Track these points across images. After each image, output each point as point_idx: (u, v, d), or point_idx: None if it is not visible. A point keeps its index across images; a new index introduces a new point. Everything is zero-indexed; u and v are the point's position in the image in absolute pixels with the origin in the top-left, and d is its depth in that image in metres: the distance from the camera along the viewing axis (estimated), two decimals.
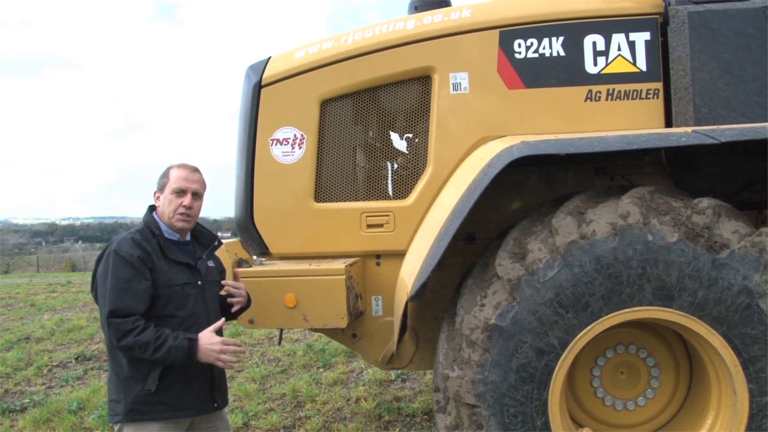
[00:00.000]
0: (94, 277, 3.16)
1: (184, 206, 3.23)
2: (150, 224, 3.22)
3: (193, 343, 3.00)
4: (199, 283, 3.27)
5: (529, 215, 3.55)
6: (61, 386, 7.58)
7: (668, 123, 3.80)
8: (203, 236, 3.45)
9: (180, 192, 3.23)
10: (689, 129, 3.25)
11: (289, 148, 4.07)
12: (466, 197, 3.20)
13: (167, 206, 3.23)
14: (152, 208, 3.30)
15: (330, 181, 4.12)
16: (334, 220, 3.99)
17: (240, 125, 4.26)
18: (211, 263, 3.43)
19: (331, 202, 4.08)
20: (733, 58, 3.57)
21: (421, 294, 3.23)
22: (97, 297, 3.12)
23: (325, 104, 4.09)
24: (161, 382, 3.04)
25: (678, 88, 3.70)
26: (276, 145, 4.07)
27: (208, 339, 3.05)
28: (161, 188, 3.27)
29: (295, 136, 4.06)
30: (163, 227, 3.24)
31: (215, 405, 3.32)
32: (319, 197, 4.08)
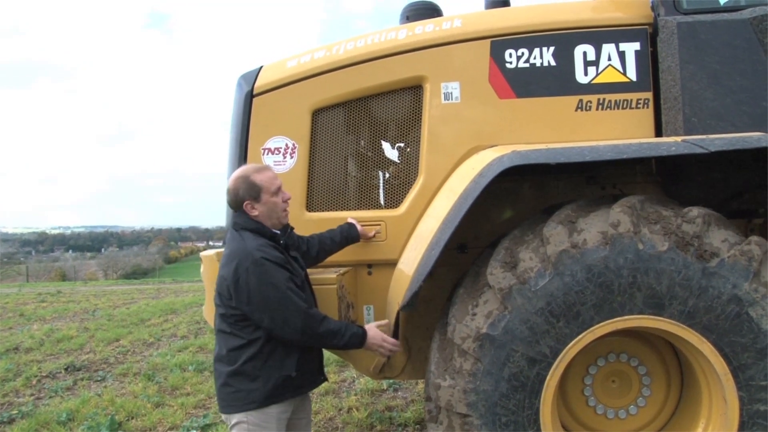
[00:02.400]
0: (234, 290, 3.17)
1: (287, 200, 3.46)
2: (260, 229, 3.32)
3: (365, 335, 3.36)
4: (304, 273, 3.52)
5: (521, 224, 3.56)
6: (50, 397, 7.52)
7: (658, 132, 3.82)
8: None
9: (279, 189, 3.39)
10: (679, 138, 3.27)
11: (281, 157, 4.07)
12: (457, 206, 3.22)
13: (272, 208, 3.36)
14: (243, 214, 3.35)
15: (321, 190, 4.12)
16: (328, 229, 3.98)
17: (232, 134, 4.26)
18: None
19: (323, 211, 4.07)
20: (721, 69, 3.60)
21: (412, 304, 3.25)
22: (234, 305, 3.20)
23: (317, 114, 4.10)
24: (298, 365, 3.28)
25: (668, 98, 3.73)
26: (267, 154, 4.07)
27: (375, 333, 3.41)
28: (255, 197, 3.32)
29: (286, 145, 4.06)
30: (271, 229, 3.38)
31: (322, 377, 3.63)
32: (311, 207, 4.08)
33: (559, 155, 3.15)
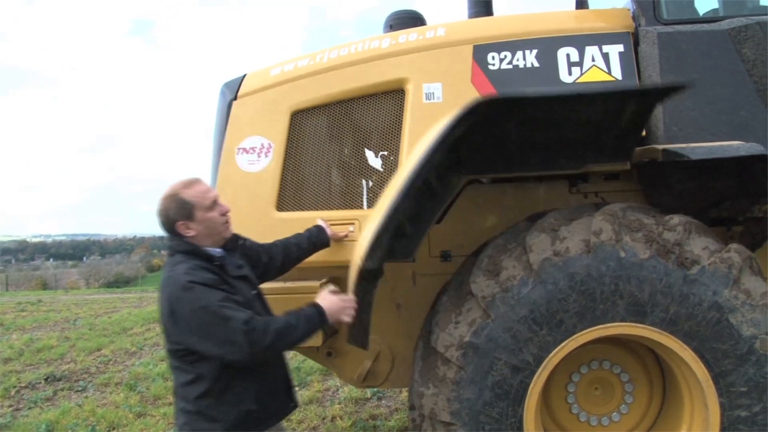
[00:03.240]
0: (171, 319, 2.81)
1: (226, 213, 3.05)
2: (194, 251, 2.94)
3: (320, 308, 2.93)
4: (254, 291, 3.12)
5: (503, 233, 3.57)
6: (30, 408, 7.42)
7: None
8: (229, 242, 3.15)
9: (214, 203, 3.00)
10: (660, 147, 3.31)
11: (255, 156, 4.01)
12: (429, 144, 2.93)
13: (210, 225, 2.97)
14: (176, 236, 2.97)
15: (294, 189, 4.03)
16: (298, 230, 3.81)
17: (214, 142, 4.24)
18: (242, 262, 3.22)
19: (295, 211, 4.00)
20: (701, 78, 3.64)
21: (375, 261, 2.98)
22: (176, 339, 2.86)
23: (296, 115, 4.07)
24: (258, 397, 2.93)
25: None
26: (242, 153, 4.02)
27: (329, 300, 3.00)
28: (188, 216, 2.92)
29: (262, 145, 4.02)
30: (207, 248, 2.98)
31: (292, 404, 3.23)
32: (281, 206, 4.00)
33: (537, 92, 3.13)
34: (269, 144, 4.02)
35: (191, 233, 2.94)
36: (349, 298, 3.07)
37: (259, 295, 3.19)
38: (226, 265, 2.98)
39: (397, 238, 3.15)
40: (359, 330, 3.27)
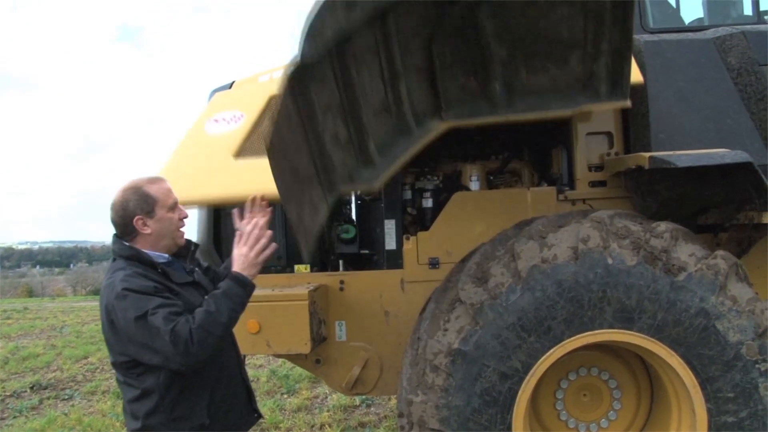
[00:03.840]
0: (111, 329, 2.64)
1: (184, 218, 2.88)
2: (136, 255, 2.72)
3: (234, 274, 2.70)
4: (206, 297, 2.77)
5: (492, 240, 3.58)
6: (15, 417, 7.35)
7: (627, 148, 3.89)
8: (181, 248, 2.97)
9: (175, 205, 2.82)
10: (646, 154, 3.33)
11: (225, 123, 3.94)
12: None
13: (167, 226, 2.79)
14: (119, 238, 2.78)
15: (257, 143, 3.80)
16: (257, 171, 3.39)
17: None
18: (197, 269, 3.06)
19: (254, 157, 3.76)
20: (687, 86, 3.68)
21: (315, 49, 2.61)
22: (119, 350, 2.67)
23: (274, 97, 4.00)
24: (210, 411, 2.75)
25: (635, 115, 3.79)
26: (212, 122, 3.97)
27: (238, 257, 2.77)
28: (148, 212, 2.72)
29: (234, 115, 3.96)
30: (151, 253, 2.77)
31: (255, 416, 3.10)
32: (241, 154, 3.86)
33: None
34: (241, 114, 3.94)
35: (147, 231, 2.73)
36: (250, 230, 2.82)
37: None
38: (169, 272, 2.76)
39: (364, 165, 3.08)
40: (302, 238, 3.09)
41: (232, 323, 2.66)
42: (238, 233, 2.88)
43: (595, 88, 3.10)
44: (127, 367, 2.67)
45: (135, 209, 2.71)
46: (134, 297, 2.55)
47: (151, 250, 2.77)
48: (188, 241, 2.99)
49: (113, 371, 2.91)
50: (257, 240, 2.80)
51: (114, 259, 2.78)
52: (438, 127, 3.24)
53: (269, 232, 2.85)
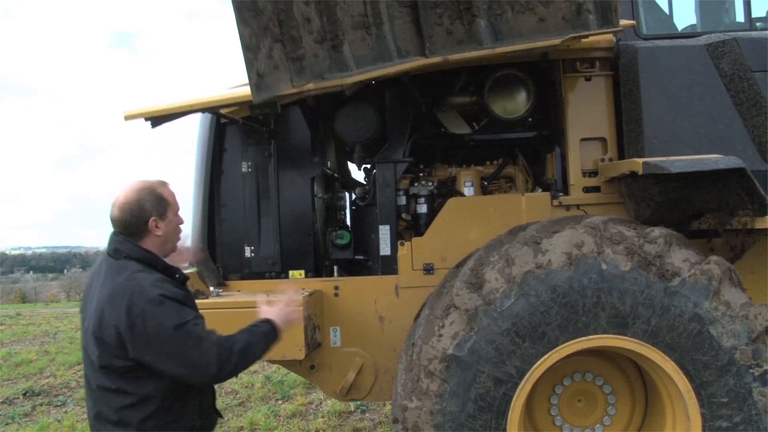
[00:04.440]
0: (129, 333, 2.51)
1: (182, 223, 2.88)
2: (151, 259, 2.70)
3: (273, 323, 2.80)
4: (249, 328, 2.85)
5: (486, 245, 3.59)
6: (7, 424, 7.29)
7: (621, 153, 3.91)
8: None
9: (179, 210, 2.83)
10: (640, 160, 3.34)
11: None
12: None
13: (174, 230, 2.80)
14: (129, 242, 2.69)
15: None
16: None
17: (197, 156, 4.24)
18: None
19: None
20: (680, 93, 3.69)
21: (264, 93, 2.99)
22: (122, 355, 2.55)
23: None
24: (201, 410, 2.80)
25: (629, 121, 3.81)
26: None
27: (275, 312, 2.86)
28: (162, 214, 2.70)
29: None
30: (160, 259, 2.76)
31: (217, 416, 3.06)
32: None
33: None
34: None
35: (158, 233, 2.70)
36: (290, 301, 3.03)
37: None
38: (172, 276, 2.75)
39: (337, 67, 3.19)
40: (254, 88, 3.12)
41: (257, 360, 2.81)
42: (280, 295, 3.09)
43: (584, 20, 3.13)
44: (123, 371, 2.58)
45: (151, 210, 2.67)
46: (172, 304, 2.54)
47: (158, 253, 2.75)
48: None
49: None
50: (296, 310, 3.20)
51: (116, 260, 2.67)
52: (420, 61, 3.27)
53: (300, 310, 3.35)
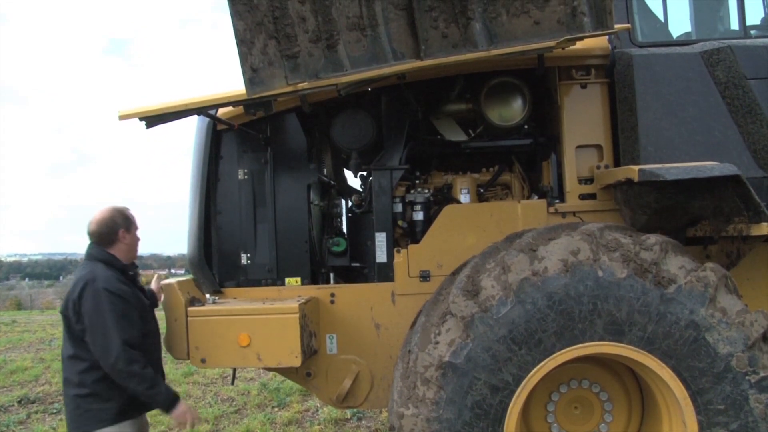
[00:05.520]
0: (77, 312, 3.47)
1: (139, 240, 3.86)
2: (112, 260, 3.65)
3: (177, 402, 3.55)
4: (147, 301, 3.86)
5: (482, 252, 3.59)
6: (2, 431, 7.26)
7: (616, 160, 3.92)
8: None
9: (137, 228, 3.83)
10: (636, 167, 3.35)
11: None
12: None
13: (135, 242, 3.81)
14: (98, 248, 3.66)
15: None
16: None
17: (194, 162, 4.24)
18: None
19: None
20: (675, 100, 3.71)
21: (258, 87, 3.11)
22: (78, 327, 3.48)
23: None
24: None
25: (624, 128, 3.82)
26: None
27: (184, 407, 3.58)
28: (128, 228, 3.73)
29: None
30: (121, 261, 3.70)
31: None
32: None
33: None
34: None
35: (125, 241, 3.70)
36: (194, 416, 3.70)
37: (152, 307, 3.90)
38: (136, 277, 3.77)
39: (333, 66, 3.22)
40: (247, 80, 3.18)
41: (138, 394, 3.47)
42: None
43: (579, 23, 3.15)
44: (80, 339, 3.48)
45: (121, 224, 3.69)
46: (108, 296, 3.44)
47: (122, 258, 3.70)
48: (133, 263, 3.90)
49: None
50: (193, 422, 3.71)
51: (89, 261, 3.64)
52: (416, 63, 3.31)
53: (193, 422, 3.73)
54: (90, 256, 3.65)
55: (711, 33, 4.42)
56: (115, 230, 3.66)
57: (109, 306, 3.42)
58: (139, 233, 3.83)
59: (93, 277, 3.49)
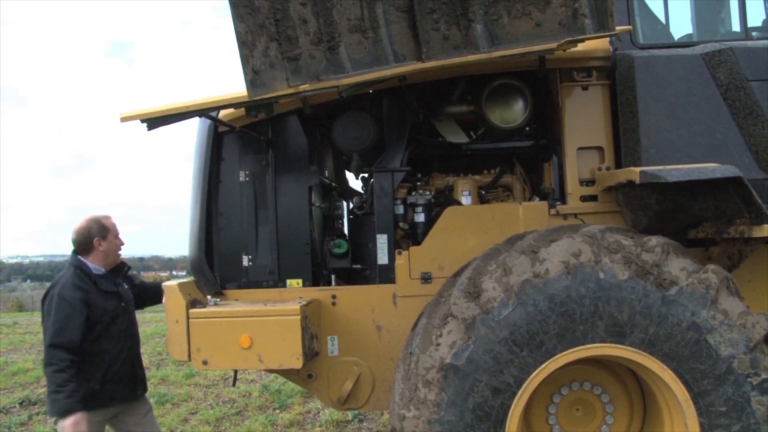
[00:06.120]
0: (42, 307, 3.94)
1: (121, 245, 4.20)
2: (81, 266, 4.01)
3: (72, 415, 3.65)
4: (123, 304, 4.13)
5: (483, 254, 3.59)
6: None
7: (618, 162, 3.92)
8: (117, 266, 4.24)
9: (118, 235, 4.16)
10: (637, 169, 3.35)
11: None
12: None
13: (114, 249, 4.12)
14: (74, 256, 4.05)
15: None
16: None
17: (195, 165, 4.24)
18: (125, 286, 4.30)
19: None
20: (677, 101, 3.70)
21: (260, 89, 3.18)
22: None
23: None
24: (102, 381, 3.91)
25: (626, 130, 3.82)
26: None
27: (74, 422, 3.65)
28: (103, 236, 4.04)
29: None
30: (91, 266, 4.03)
31: (140, 393, 4.27)
32: None
33: None
34: None
35: (101, 249, 4.03)
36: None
37: (127, 309, 4.17)
38: (98, 281, 4.00)
39: (334, 69, 3.27)
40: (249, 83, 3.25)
41: (49, 392, 3.74)
42: None
43: (580, 25, 3.15)
44: None
45: (96, 233, 4.03)
46: (59, 302, 3.81)
47: (100, 264, 4.06)
48: (123, 263, 4.28)
49: None
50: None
51: (69, 265, 4.05)
52: (417, 65, 3.33)
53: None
54: (70, 261, 4.08)
55: (712, 35, 4.42)
56: (89, 239, 4.01)
57: (56, 309, 3.80)
58: (119, 240, 4.13)
59: (56, 282, 3.96)
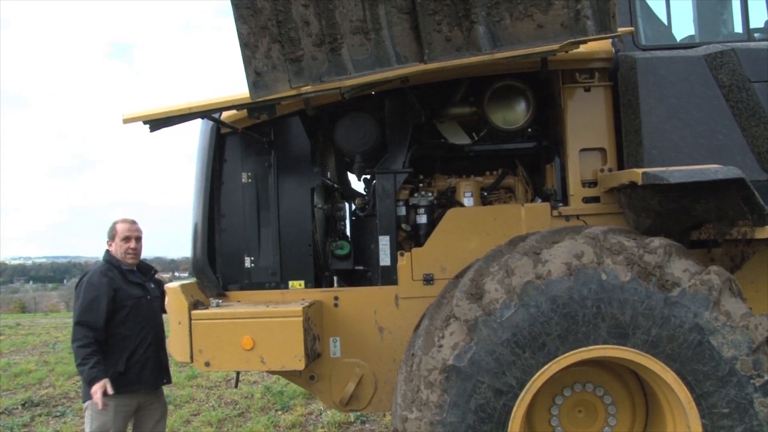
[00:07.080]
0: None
1: (132, 248, 4.52)
2: (111, 260, 4.48)
3: (96, 381, 4.02)
4: (148, 297, 4.50)
5: (486, 256, 3.59)
6: None
7: (620, 164, 3.91)
8: (144, 267, 4.70)
9: (126, 239, 4.48)
10: (639, 170, 3.34)
11: None
12: None
13: (119, 250, 4.48)
14: (108, 251, 4.52)
15: None
16: None
17: (197, 166, 4.25)
18: (152, 285, 4.62)
19: None
20: (679, 103, 3.70)
21: (262, 91, 3.20)
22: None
23: None
24: (127, 364, 4.26)
25: (629, 131, 3.81)
26: None
27: (100, 386, 4.01)
28: (111, 238, 4.51)
29: None
30: (120, 262, 4.48)
31: (164, 381, 4.61)
32: None
33: None
34: None
35: (111, 249, 4.52)
36: (97, 398, 4.03)
37: (152, 303, 4.51)
38: (126, 273, 4.45)
39: (336, 70, 3.28)
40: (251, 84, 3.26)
41: (77, 365, 4.21)
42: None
43: (582, 26, 3.16)
44: None
45: (108, 235, 4.55)
46: (87, 286, 4.29)
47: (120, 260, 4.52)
48: (151, 267, 4.76)
49: None
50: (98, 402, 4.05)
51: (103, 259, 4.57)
52: (419, 67, 3.34)
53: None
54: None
55: (714, 36, 4.42)
56: (108, 238, 4.56)
57: (84, 293, 4.26)
58: (123, 243, 4.46)
59: (88, 271, 4.53)
